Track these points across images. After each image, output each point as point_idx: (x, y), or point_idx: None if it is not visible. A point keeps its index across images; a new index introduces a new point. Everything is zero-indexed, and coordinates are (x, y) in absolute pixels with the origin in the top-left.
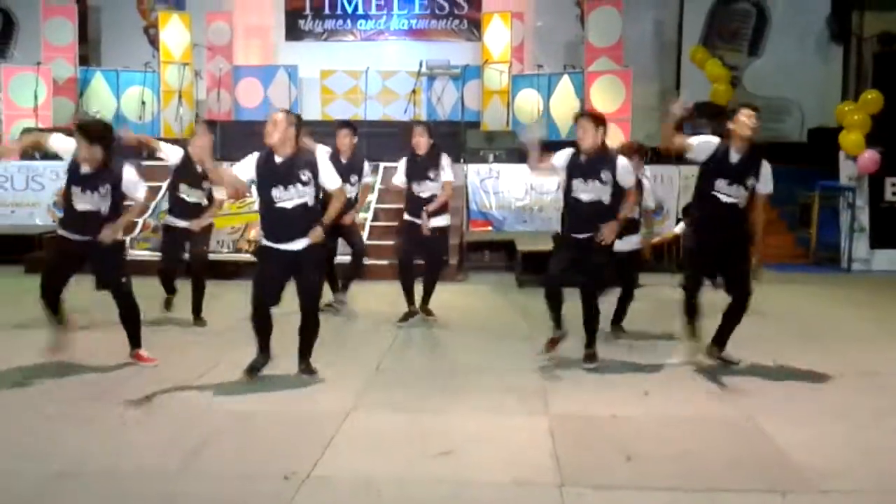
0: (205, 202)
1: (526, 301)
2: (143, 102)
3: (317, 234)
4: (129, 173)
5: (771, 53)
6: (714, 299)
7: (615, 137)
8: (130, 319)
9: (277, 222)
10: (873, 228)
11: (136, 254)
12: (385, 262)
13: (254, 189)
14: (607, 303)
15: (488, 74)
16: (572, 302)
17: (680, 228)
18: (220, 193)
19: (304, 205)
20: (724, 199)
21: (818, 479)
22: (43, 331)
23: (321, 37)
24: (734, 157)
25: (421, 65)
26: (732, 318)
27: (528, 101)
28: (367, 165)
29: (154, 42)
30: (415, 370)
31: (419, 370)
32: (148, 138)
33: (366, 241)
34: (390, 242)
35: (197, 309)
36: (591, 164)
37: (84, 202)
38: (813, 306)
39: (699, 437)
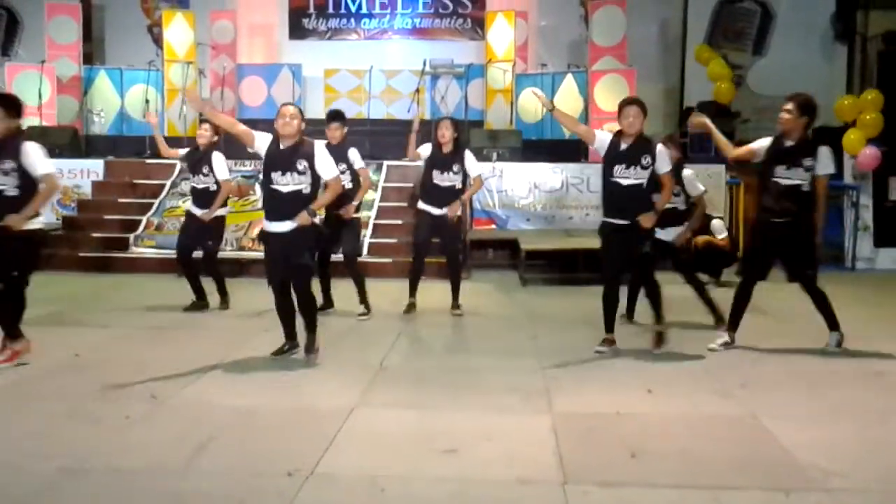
0: (213, 187)
1: (529, 299)
2: (147, 101)
3: (303, 217)
4: (29, 148)
5: (775, 52)
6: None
7: None
8: (5, 311)
9: (272, 202)
10: (877, 227)
11: (141, 251)
12: (388, 260)
13: (257, 187)
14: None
15: (492, 73)
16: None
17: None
18: (222, 174)
19: (299, 191)
20: (783, 182)
21: (823, 477)
22: (44, 328)
23: (325, 35)
24: (787, 143)
25: (424, 64)
26: (822, 303)
27: (532, 100)
28: (353, 151)
29: (158, 40)
30: (418, 368)
31: (423, 368)
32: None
33: (369, 239)
34: (394, 240)
35: (221, 291)
36: (632, 150)
37: None
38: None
39: (703, 435)
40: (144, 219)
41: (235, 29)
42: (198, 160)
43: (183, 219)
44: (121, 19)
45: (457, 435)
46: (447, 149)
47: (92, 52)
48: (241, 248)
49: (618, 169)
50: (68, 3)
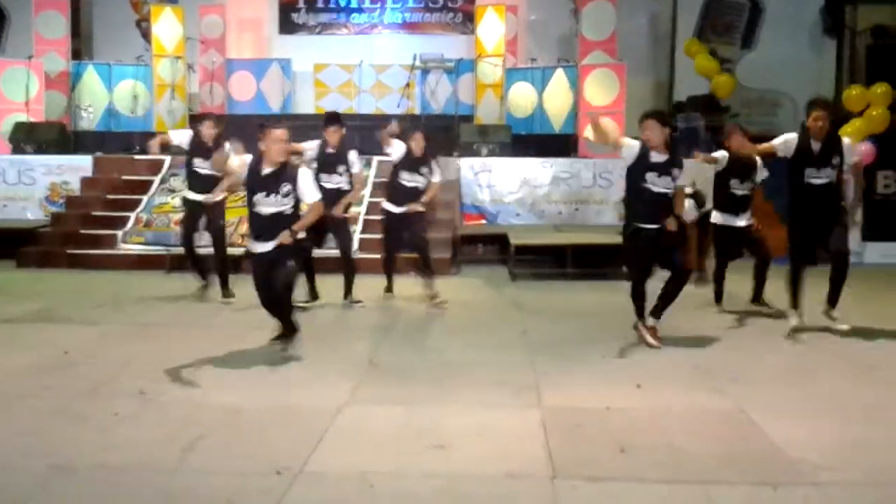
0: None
1: (519, 294)
2: (136, 96)
3: (284, 237)
4: None
5: (764, 46)
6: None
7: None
8: None
9: (256, 222)
10: (865, 221)
11: (130, 248)
12: (378, 256)
13: None
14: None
15: (482, 68)
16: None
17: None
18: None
19: (281, 213)
20: (815, 181)
21: (810, 471)
22: (33, 325)
23: (314, 30)
24: (815, 146)
25: (415, 58)
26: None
27: (522, 95)
28: (353, 154)
29: (146, 35)
30: (408, 364)
31: (412, 364)
32: (161, 137)
33: (359, 235)
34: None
35: (224, 282)
36: (664, 162)
37: None
38: (814, 300)
39: (692, 430)
40: (133, 215)
41: (224, 23)
42: (207, 150)
43: (173, 215)
44: (109, 14)
45: (446, 430)
46: (417, 154)
47: (80, 47)
48: (232, 245)
49: (650, 176)
50: None
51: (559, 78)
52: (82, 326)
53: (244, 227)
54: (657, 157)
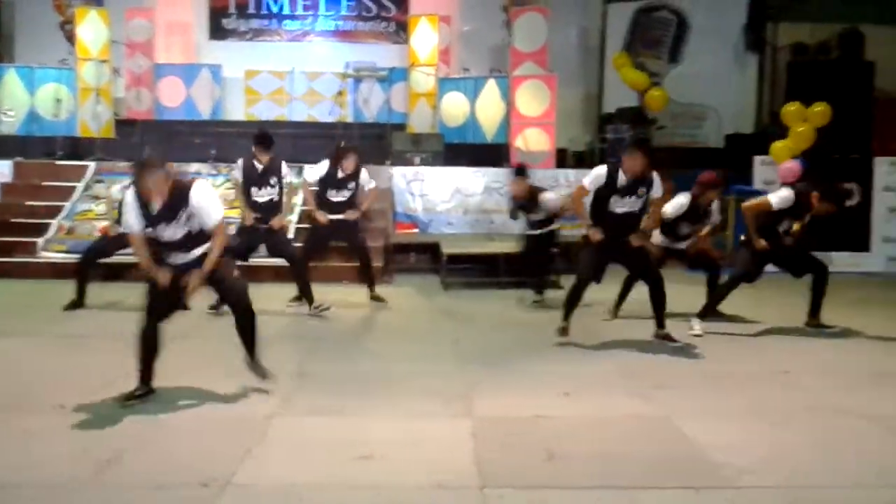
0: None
1: (451, 303)
2: (59, 100)
3: (195, 282)
4: None
5: (691, 60)
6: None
7: (540, 141)
8: None
9: (167, 249)
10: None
11: (51, 256)
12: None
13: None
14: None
15: (415, 77)
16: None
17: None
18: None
19: (188, 233)
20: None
21: (733, 475)
22: None
23: (246, 36)
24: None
25: (347, 66)
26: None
27: (455, 105)
28: (284, 167)
29: (71, 38)
30: (338, 374)
31: (342, 374)
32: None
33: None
34: None
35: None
36: (630, 183)
37: None
38: (726, 307)
39: (619, 437)
40: (55, 222)
41: (152, 27)
42: None
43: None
44: (31, 16)
45: (376, 441)
46: (347, 173)
47: (0, 49)
48: None
49: (614, 199)
50: None
51: (491, 88)
52: (1, 338)
53: None
54: (627, 179)
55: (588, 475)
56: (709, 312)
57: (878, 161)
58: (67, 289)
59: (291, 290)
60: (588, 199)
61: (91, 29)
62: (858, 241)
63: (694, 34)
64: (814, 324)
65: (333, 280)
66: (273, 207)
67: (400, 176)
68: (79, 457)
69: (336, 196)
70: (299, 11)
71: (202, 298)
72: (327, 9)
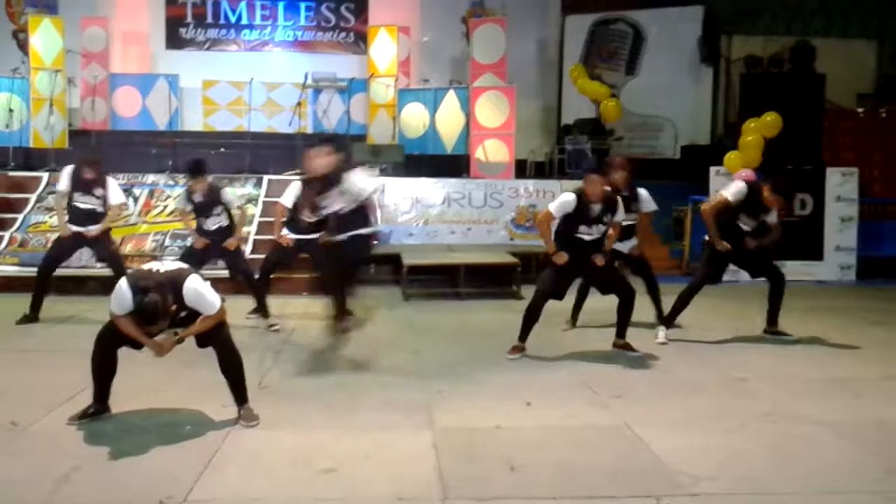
0: (100, 209)
1: (411, 314)
2: (11, 110)
3: (167, 345)
4: None
5: (647, 73)
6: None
7: (499, 152)
8: None
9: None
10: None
11: (2, 269)
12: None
13: (131, 201)
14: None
15: (374, 88)
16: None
17: None
18: (116, 199)
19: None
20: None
21: (690, 482)
22: None
23: (203, 46)
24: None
25: (306, 77)
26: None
27: (415, 115)
28: (225, 194)
29: (24, 47)
30: (298, 387)
31: (303, 387)
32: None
33: (249, 255)
34: None
35: None
36: (599, 213)
37: None
38: (685, 316)
39: (580, 446)
40: (7, 234)
41: (108, 37)
42: (86, 183)
43: (51, 234)
44: None
45: (337, 454)
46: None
47: None
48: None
49: (583, 228)
50: None
51: (451, 99)
52: None
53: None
54: (594, 208)
55: (549, 485)
56: (674, 318)
57: (830, 171)
58: (20, 303)
59: (250, 302)
60: (554, 224)
61: (45, 38)
62: (811, 250)
63: (650, 47)
64: (772, 331)
65: (294, 293)
66: (223, 232)
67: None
68: (32, 477)
69: (311, 217)
70: (258, 21)
71: None
72: (286, 19)
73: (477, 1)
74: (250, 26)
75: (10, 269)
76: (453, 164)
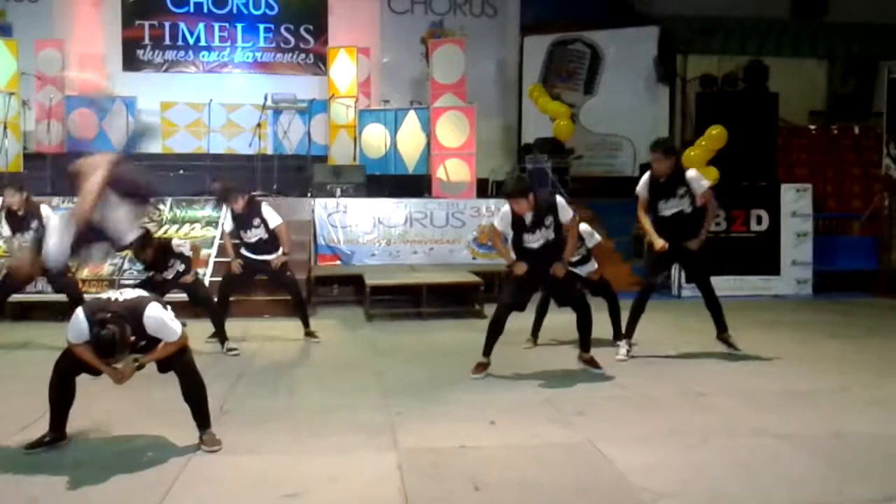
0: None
1: (374, 335)
2: None
3: (129, 370)
4: None
5: (605, 92)
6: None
7: (461, 172)
8: None
9: None
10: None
11: None
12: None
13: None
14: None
15: (335, 109)
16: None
17: None
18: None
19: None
20: (667, 213)
21: (653, 498)
22: None
23: (161, 68)
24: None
25: (266, 98)
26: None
27: (375, 136)
28: (185, 249)
29: None
30: (260, 410)
31: (265, 410)
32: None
33: (209, 278)
34: None
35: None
36: (533, 220)
37: None
38: (646, 332)
39: (544, 463)
40: None
41: (64, 59)
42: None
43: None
44: None
45: (300, 478)
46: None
47: None
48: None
49: (526, 236)
50: None
51: (412, 119)
52: None
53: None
54: (527, 217)
55: (514, 503)
56: (633, 329)
57: (785, 188)
58: None
59: (209, 327)
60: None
61: None
62: (768, 265)
63: (608, 67)
64: (724, 338)
65: (255, 315)
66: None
67: (321, 208)
68: None
69: (249, 237)
70: (216, 43)
71: None
72: (245, 40)
73: (436, 22)
74: (209, 48)
75: None
76: (415, 184)
